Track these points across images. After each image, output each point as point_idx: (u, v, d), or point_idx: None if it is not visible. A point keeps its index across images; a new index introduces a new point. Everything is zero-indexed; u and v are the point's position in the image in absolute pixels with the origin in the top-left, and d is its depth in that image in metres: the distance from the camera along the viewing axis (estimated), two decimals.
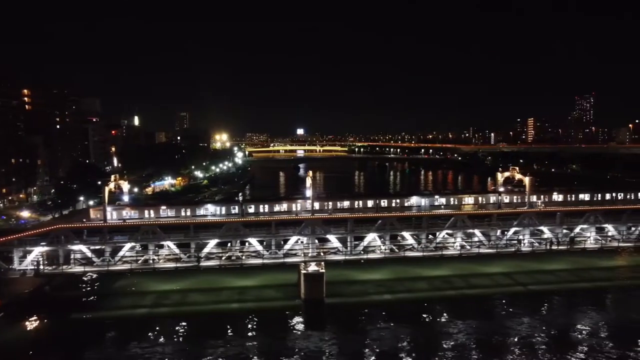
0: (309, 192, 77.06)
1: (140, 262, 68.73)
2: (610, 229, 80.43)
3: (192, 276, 76.14)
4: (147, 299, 70.70)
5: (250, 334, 60.01)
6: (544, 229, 78.05)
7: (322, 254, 73.24)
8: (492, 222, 77.57)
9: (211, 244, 70.46)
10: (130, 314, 65.93)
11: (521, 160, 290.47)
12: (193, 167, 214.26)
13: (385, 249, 74.97)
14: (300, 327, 62.58)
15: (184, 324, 62.02)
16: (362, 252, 73.52)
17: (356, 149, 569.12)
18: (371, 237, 74.03)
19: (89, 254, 67.11)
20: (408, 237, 75.21)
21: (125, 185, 72.90)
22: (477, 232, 76.49)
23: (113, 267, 67.31)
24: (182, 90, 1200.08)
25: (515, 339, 57.66)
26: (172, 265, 68.95)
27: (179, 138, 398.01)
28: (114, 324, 62.85)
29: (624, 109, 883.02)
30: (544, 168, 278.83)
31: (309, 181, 78.03)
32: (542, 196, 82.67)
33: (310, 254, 72.36)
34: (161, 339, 58.13)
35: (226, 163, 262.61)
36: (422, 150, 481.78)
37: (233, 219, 72.72)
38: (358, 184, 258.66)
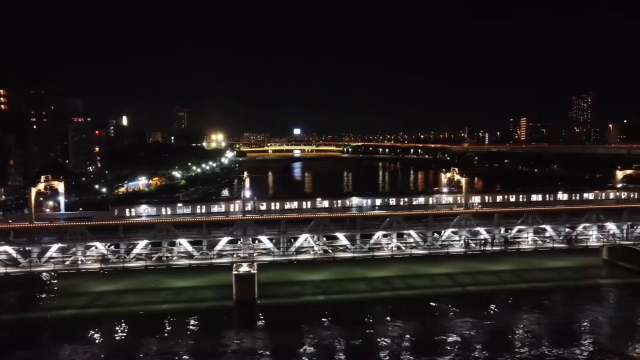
0: (247, 193, 77.39)
1: (67, 263, 68.78)
2: (548, 229, 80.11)
3: (131, 277, 75.65)
4: (83, 299, 70.46)
5: (180, 334, 59.69)
6: (481, 229, 77.77)
7: (254, 254, 73.32)
8: (429, 223, 77.47)
9: (140, 245, 70.65)
10: (65, 315, 65.67)
11: (506, 160, 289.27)
12: (177, 166, 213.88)
13: (318, 250, 74.98)
14: (232, 328, 62.53)
15: (117, 324, 62.20)
16: (294, 253, 73.55)
17: (345, 149, 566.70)
18: (303, 238, 74.03)
19: (15, 255, 67.30)
20: (342, 238, 75.13)
21: (61, 186, 72.56)
22: (412, 232, 76.33)
23: (36, 268, 67.18)
24: (181, 90, 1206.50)
25: (453, 339, 57.24)
26: (97, 266, 69.11)
27: (172, 138, 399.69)
28: (48, 325, 62.68)
29: (624, 109, 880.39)
30: (528, 168, 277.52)
31: (247, 182, 78.24)
32: (472, 197, 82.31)
33: (241, 255, 72.51)
34: (94, 340, 58.35)
35: (210, 163, 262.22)
36: (412, 150, 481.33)
37: (164, 220, 72.98)
38: (347, 184, 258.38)
